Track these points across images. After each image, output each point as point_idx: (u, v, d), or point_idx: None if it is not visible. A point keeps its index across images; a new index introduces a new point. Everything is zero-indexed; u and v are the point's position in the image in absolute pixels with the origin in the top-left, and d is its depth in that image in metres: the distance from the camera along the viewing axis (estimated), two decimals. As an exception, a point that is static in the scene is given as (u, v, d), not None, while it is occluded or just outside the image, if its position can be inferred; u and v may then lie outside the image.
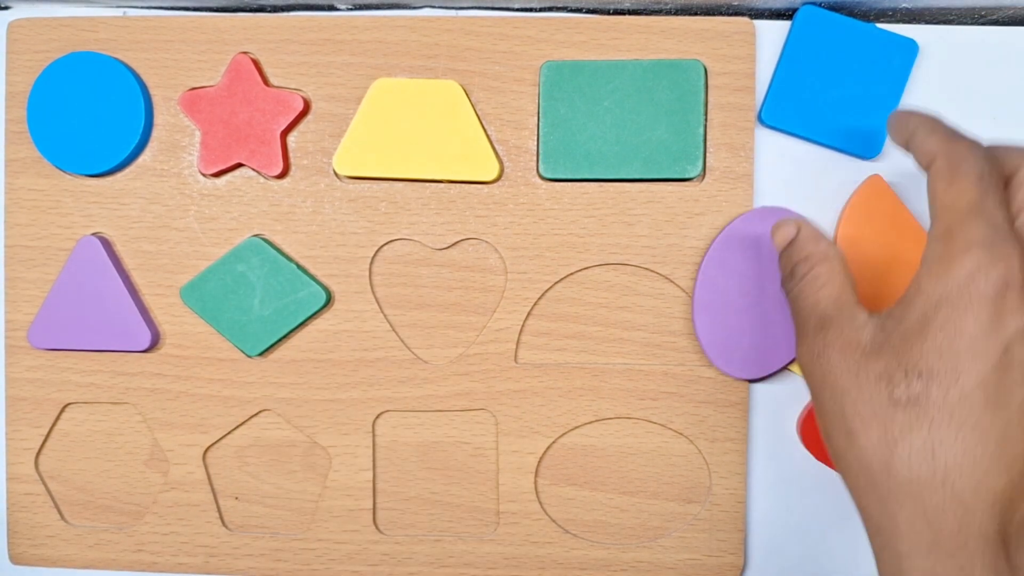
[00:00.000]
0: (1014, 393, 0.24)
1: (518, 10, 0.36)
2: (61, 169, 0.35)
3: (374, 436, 0.36)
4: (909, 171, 0.34)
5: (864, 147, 0.34)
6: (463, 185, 0.35)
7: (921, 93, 0.34)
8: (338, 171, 0.34)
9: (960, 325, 0.24)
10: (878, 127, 0.34)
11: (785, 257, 0.30)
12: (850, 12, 0.36)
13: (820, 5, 0.35)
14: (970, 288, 0.24)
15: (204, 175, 0.35)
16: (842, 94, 0.34)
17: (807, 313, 0.28)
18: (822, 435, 0.27)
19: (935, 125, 0.28)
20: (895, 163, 0.34)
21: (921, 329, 0.25)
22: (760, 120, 0.34)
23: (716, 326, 0.34)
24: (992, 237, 0.24)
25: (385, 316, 0.35)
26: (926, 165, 0.27)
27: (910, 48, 0.34)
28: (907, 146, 0.29)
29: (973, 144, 0.27)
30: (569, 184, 0.34)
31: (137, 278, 0.36)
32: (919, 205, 0.34)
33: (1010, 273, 0.24)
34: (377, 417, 0.35)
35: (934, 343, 0.24)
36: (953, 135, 0.27)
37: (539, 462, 0.35)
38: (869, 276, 0.33)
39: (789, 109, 0.34)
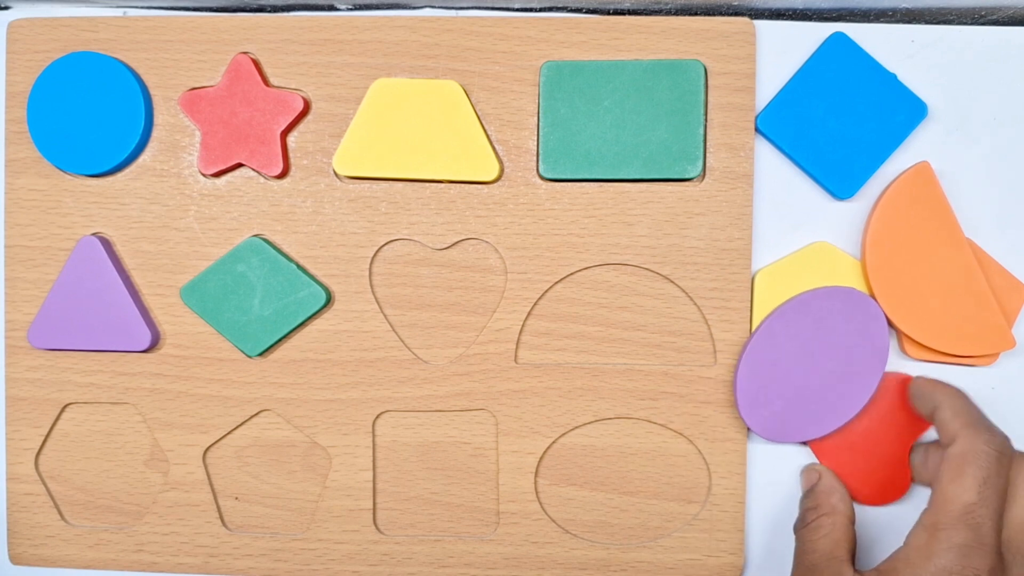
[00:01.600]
0: None
1: (518, 10, 0.36)
2: (61, 169, 0.35)
3: (374, 436, 0.36)
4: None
5: (840, 186, 0.34)
6: (463, 185, 0.35)
7: (922, 94, 0.34)
8: (338, 171, 0.34)
9: None
10: (860, 171, 0.34)
11: (802, 501, 0.33)
12: (850, 14, 0.36)
13: (821, 8, 0.35)
14: None
15: (204, 175, 0.35)
16: (839, 128, 0.34)
17: (800, 559, 0.32)
18: None
19: (960, 406, 0.30)
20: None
21: None
22: (755, 124, 0.34)
23: (755, 380, 0.33)
24: (972, 545, 0.27)
25: (385, 316, 0.35)
26: (946, 445, 0.29)
27: (919, 109, 0.34)
28: (931, 418, 0.31)
29: (992, 438, 0.28)
30: (569, 184, 0.34)
31: (137, 278, 0.36)
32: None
33: None
34: (377, 417, 0.35)
35: None
36: (977, 423, 0.29)
37: (539, 462, 0.35)
38: (896, 265, 0.33)
39: (785, 124, 0.34)
